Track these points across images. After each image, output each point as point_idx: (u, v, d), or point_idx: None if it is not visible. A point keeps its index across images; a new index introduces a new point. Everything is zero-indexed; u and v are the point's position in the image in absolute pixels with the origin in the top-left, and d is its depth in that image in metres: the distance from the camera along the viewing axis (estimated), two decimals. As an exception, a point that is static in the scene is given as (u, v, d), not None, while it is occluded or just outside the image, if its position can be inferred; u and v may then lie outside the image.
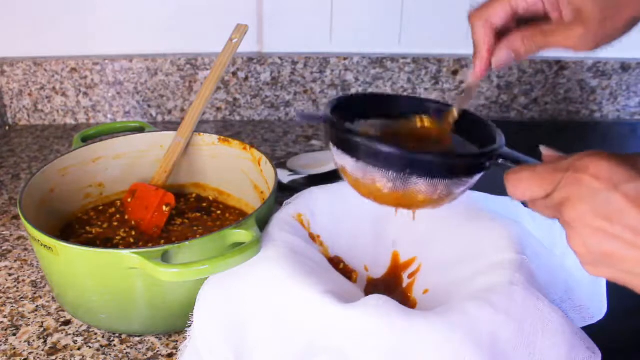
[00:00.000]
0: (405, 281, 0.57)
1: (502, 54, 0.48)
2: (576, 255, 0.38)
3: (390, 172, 0.45)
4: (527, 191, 0.40)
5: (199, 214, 0.68)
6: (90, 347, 0.54)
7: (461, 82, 1.00)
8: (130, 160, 0.70)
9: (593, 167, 0.36)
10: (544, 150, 0.42)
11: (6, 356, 0.52)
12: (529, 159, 0.44)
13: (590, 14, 0.44)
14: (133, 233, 0.64)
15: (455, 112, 0.52)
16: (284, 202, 0.58)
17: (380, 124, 0.54)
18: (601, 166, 0.36)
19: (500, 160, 0.45)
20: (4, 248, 0.68)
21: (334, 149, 0.49)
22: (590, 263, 0.37)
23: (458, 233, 0.54)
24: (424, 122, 0.54)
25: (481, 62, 0.49)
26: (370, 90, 1.01)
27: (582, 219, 0.36)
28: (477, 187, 0.59)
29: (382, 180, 0.46)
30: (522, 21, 0.49)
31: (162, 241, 0.63)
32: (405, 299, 0.54)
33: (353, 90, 1.01)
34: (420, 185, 0.45)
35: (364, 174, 0.47)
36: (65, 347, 0.54)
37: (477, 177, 0.47)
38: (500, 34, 0.48)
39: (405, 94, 1.01)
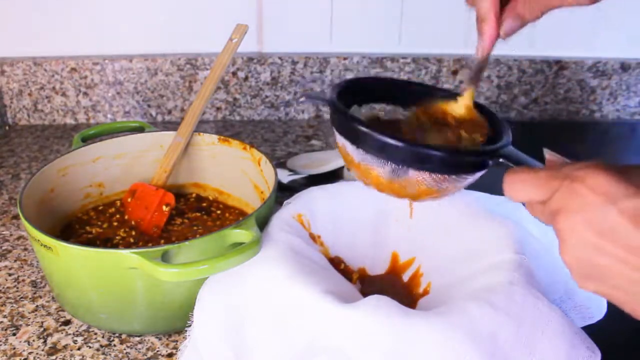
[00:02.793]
0: (405, 282, 0.57)
1: (508, 22, 0.47)
2: (566, 266, 0.37)
3: (389, 163, 0.45)
4: (523, 194, 0.39)
5: (199, 214, 0.68)
6: (90, 347, 0.54)
7: (461, 81, 1.00)
8: (130, 160, 0.70)
9: (591, 178, 0.35)
10: (548, 154, 0.42)
11: (6, 356, 0.52)
12: (531, 161, 0.43)
13: None
14: (133, 233, 0.64)
15: (472, 91, 0.50)
16: (284, 202, 0.58)
17: (390, 109, 0.53)
18: (599, 179, 0.35)
19: (501, 160, 0.45)
20: (4, 248, 0.68)
21: (336, 134, 0.49)
22: (579, 275, 0.37)
23: (458, 233, 0.54)
24: (439, 109, 0.52)
25: (490, 30, 0.47)
26: None
27: (575, 231, 0.36)
28: (477, 187, 0.59)
29: (381, 169, 0.46)
30: None
31: (162, 241, 0.63)
32: (404, 300, 0.54)
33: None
34: (418, 178, 0.45)
35: (363, 161, 0.47)
36: (65, 347, 0.54)
37: (478, 174, 0.47)
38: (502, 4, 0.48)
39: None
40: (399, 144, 0.44)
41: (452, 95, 0.52)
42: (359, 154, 0.46)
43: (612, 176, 0.35)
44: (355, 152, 0.47)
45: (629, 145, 1.00)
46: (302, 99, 0.53)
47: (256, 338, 0.46)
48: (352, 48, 1.00)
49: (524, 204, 0.42)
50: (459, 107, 0.50)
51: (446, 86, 1.01)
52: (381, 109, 0.54)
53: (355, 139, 0.46)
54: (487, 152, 0.45)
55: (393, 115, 0.53)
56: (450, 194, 0.48)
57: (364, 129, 0.45)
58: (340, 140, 0.48)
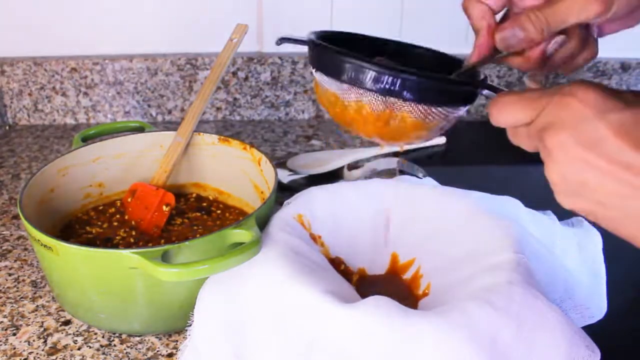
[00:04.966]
0: (405, 283, 0.57)
1: (506, 32, 0.43)
2: (551, 184, 0.37)
3: (374, 93, 0.44)
4: (511, 116, 0.39)
5: (199, 214, 0.68)
6: (90, 347, 0.54)
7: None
8: (130, 160, 0.70)
9: (581, 93, 0.35)
10: (529, 83, 0.42)
11: (6, 356, 0.52)
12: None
13: None
14: (133, 233, 0.64)
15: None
16: (284, 202, 0.58)
17: None
18: (589, 93, 0.35)
19: (484, 92, 0.44)
20: (4, 248, 0.68)
21: (317, 75, 0.48)
22: (564, 193, 0.37)
23: (457, 233, 0.54)
24: None
25: (480, 45, 0.46)
26: None
27: (563, 146, 0.35)
28: (476, 187, 0.59)
29: (365, 100, 0.45)
30: None
31: (162, 241, 0.63)
32: (405, 301, 0.54)
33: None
34: (404, 109, 0.44)
35: (346, 95, 0.46)
36: (65, 347, 0.54)
37: (463, 108, 0.46)
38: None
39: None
40: (384, 69, 0.43)
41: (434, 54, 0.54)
42: (342, 88, 0.45)
43: (601, 92, 0.35)
44: (338, 87, 0.46)
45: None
46: (279, 42, 0.52)
47: (256, 338, 0.46)
48: (352, 48, 1.00)
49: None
50: None
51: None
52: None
53: (338, 70, 0.45)
54: (474, 82, 0.46)
55: None
56: (437, 131, 0.47)
57: (349, 58, 0.44)
58: (321, 79, 0.47)
